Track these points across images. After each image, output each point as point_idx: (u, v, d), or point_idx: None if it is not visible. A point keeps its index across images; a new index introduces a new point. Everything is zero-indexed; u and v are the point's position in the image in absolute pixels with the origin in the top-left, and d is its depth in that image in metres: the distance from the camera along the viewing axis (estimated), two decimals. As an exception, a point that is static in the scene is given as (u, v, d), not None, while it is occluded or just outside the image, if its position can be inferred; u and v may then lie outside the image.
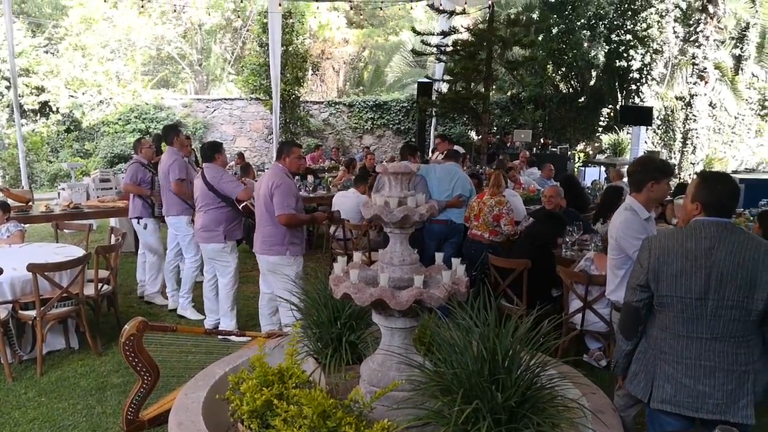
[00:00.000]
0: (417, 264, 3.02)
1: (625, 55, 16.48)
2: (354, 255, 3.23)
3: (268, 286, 5.07)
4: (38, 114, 16.52)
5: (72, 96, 16.78)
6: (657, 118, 17.01)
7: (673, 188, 6.88)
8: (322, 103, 19.83)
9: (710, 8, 15.86)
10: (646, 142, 16.06)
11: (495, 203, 5.83)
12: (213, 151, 5.46)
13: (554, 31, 17.01)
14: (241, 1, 19.06)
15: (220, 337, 5.08)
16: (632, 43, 16.41)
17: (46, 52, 18.26)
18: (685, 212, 2.60)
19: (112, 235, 5.95)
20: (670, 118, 17.78)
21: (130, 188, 6.32)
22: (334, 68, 24.86)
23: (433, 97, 14.08)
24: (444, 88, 13.92)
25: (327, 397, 2.57)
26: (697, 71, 16.40)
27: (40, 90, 16.36)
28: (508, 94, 19.16)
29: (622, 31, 16.47)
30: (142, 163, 6.41)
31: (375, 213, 2.88)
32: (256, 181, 8.07)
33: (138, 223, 6.30)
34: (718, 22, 16.24)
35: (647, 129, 16.40)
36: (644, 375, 2.60)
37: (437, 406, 2.40)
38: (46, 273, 4.42)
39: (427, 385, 2.51)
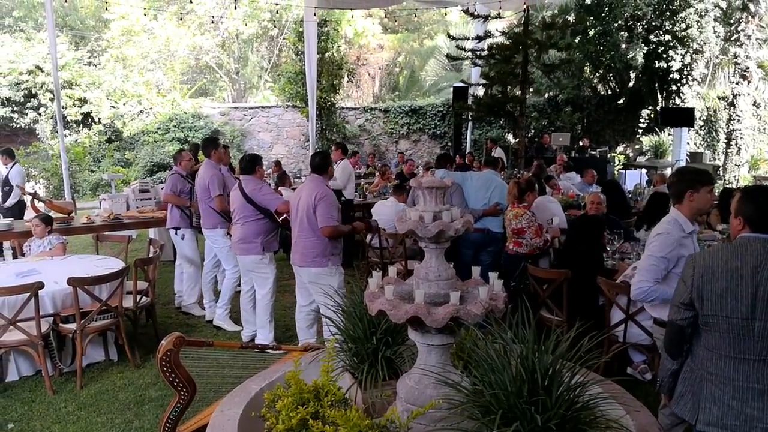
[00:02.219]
0: (453, 279, 2.95)
1: (665, 55, 16.11)
2: (389, 269, 3.18)
3: (305, 299, 5.05)
4: (81, 125, 17.01)
5: (113, 107, 17.22)
6: (699, 118, 16.57)
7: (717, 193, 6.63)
8: (357, 109, 19.89)
9: (751, 7, 15.41)
10: (688, 144, 15.63)
11: (513, 216, 5.68)
12: (253, 164, 5.46)
13: (591, 33, 16.71)
14: (277, 12, 19.23)
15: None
16: (671, 44, 16.03)
17: (89, 64, 18.74)
18: (732, 228, 2.53)
19: (151, 247, 6.03)
20: (712, 118, 17.30)
21: (170, 198, 6.39)
22: (369, 74, 24.92)
23: (469, 102, 13.98)
24: (480, 92, 13.82)
25: (363, 417, 2.52)
26: (740, 71, 15.94)
27: (83, 101, 16.84)
28: (545, 96, 18.91)
29: (661, 32, 16.09)
30: (182, 175, 6.49)
31: (410, 228, 2.83)
32: (293, 189, 8.10)
33: (176, 233, 6.37)
34: (760, 20, 15.76)
35: (689, 130, 15.97)
36: (691, 396, 2.51)
37: (476, 427, 2.33)
38: (85, 287, 4.48)
39: (465, 405, 2.44)
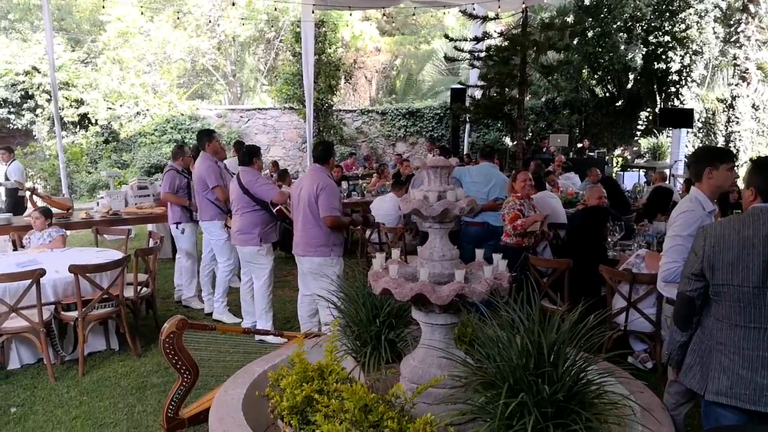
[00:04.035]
0: (457, 260, 2.95)
1: (664, 57, 16.15)
2: (392, 251, 3.18)
3: (307, 288, 5.06)
4: (78, 126, 16.98)
5: (110, 108, 17.19)
6: (698, 120, 16.60)
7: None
8: (354, 111, 19.91)
9: (751, 8, 15.48)
10: (686, 146, 15.67)
11: (504, 204, 5.83)
12: (250, 155, 5.46)
13: (590, 34, 16.75)
14: (275, 9, 19.26)
15: (257, 338, 5.09)
16: (671, 45, 16.06)
17: (85, 65, 18.72)
18: (744, 200, 2.53)
19: (150, 239, 6.02)
20: (711, 120, 17.35)
21: (169, 198, 6.36)
22: (366, 77, 24.97)
23: (467, 104, 14.00)
24: (478, 94, 13.85)
25: (368, 392, 2.52)
26: (739, 72, 16.01)
27: (80, 102, 16.81)
28: (543, 99, 18.96)
29: (660, 33, 16.13)
30: (177, 170, 6.46)
31: (414, 207, 2.83)
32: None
33: (177, 227, 6.36)
34: (760, 21, 15.83)
35: (688, 132, 16.02)
36: (700, 367, 2.50)
37: (481, 401, 2.33)
38: (87, 274, 4.47)
39: (470, 379, 2.44)
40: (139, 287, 5.18)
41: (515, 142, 13.92)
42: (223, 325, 4.12)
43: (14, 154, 8.97)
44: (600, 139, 17.88)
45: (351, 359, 3.24)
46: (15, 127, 16.51)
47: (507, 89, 12.60)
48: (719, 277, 2.38)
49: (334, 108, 18.42)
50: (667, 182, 9.88)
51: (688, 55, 16.18)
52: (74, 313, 4.54)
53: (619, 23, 16.63)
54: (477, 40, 12.68)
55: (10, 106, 16.24)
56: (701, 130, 17.32)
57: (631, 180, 13.08)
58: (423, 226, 3.07)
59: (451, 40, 13.11)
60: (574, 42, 16.06)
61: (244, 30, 22.89)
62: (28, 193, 7.51)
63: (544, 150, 15.13)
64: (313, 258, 4.80)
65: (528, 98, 17.00)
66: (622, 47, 16.65)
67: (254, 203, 5.28)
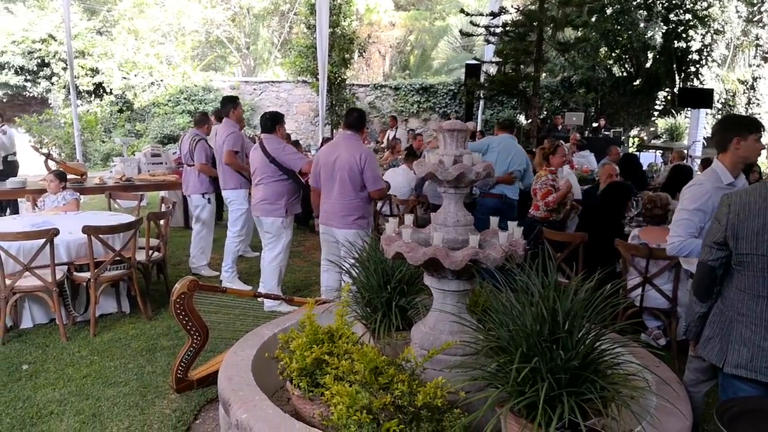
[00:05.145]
0: (471, 226, 2.91)
1: (684, 35, 15.79)
2: (405, 217, 3.14)
3: (333, 256, 4.95)
4: (92, 95, 17.03)
5: (125, 78, 17.21)
6: (717, 101, 16.26)
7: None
8: (367, 85, 19.76)
9: (776, -14, 15.12)
10: (705, 128, 15.41)
11: (536, 178, 5.84)
12: (274, 122, 5.27)
13: (608, 11, 16.38)
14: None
15: (266, 306, 5.07)
16: (692, 23, 15.69)
17: (101, 34, 18.70)
18: None
19: (163, 204, 6.01)
20: (731, 101, 16.99)
21: (205, 169, 6.23)
22: (380, 52, 24.73)
23: (482, 79, 13.84)
24: (492, 70, 13.68)
25: (379, 354, 2.50)
26: (761, 53, 15.66)
27: (95, 72, 16.84)
28: (559, 77, 18.70)
29: (681, 11, 15.73)
30: (206, 140, 6.39)
31: (429, 170, 2.78)
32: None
33: (203, 197, 6.30)
34: (785, 1, 15.47)
35: (707, 114, 15.74)
36: (719, 339, 2.43)
37: (493, 367, 2.30)
38: (100, 235, 4.48)
39: (482, 345, 2.41)
40: (150, 251, 5.18)
41: (529, 120, 13.77)
42: (233, 289, 4.11)
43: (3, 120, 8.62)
44: (616, 119, 17.64)
45: (361, 326, 3.22)
46: (31, 94, 16.58)
47: (522, 66, 12.43)
48: (743, 246, 2.30)
49: (347, 82, 18.28)
50: (684, 162, 9.74)
51: (709, 34, 15.83)
52: (86, 274, 4.56)
53: (638, 0, 16.26)
54: (493, 15, 12.48)
55: (27, 74, 16.28)
56: (720, 111, 16.99)
57: (646, 160, 12.90)
58: (438, 191, 3.02)
59: (468, 14, 12.90)
60: (592, 19, 15.76)
61: (259, 1, 22.68)
62: (42, 158, 7.51)
63: (559, 128, 14.97)
64: (349, 230, 4.57)
65: (544, 76, 16.76)
66: (642, 25, 16.27)
67: (281, 172, 5.09)
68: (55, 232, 4.26)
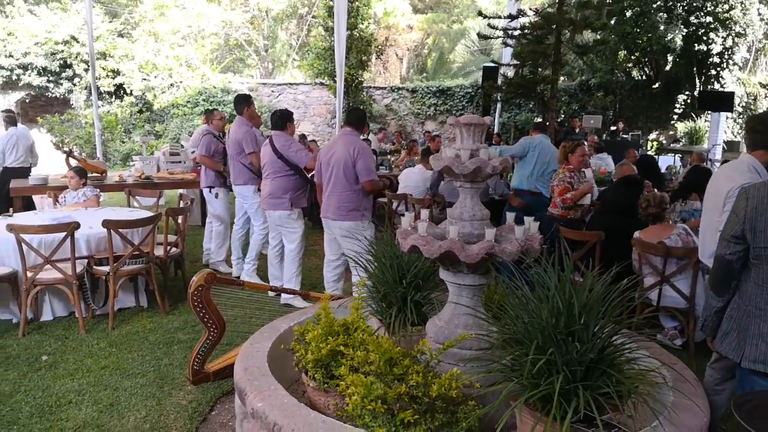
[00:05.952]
0: (487, 220, 2.91)
1: (705, 38, 15.60)
2: (421, 212, 3.15)
3: (334, 253, 5.06)
4: (113, 96, 17.25)
5: (145, 79, 17.41)
6: (738, 105, 16.05)
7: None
8: (384, 88, 19.79)
9: (799, -10, 14.91)
10: (725, 132, 15.23)
11: (555, 176, 5.87)
12: (284, 120, 5.44)
13: (628, 13, 16.26)
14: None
15: (282, 300, 5.13)
16: (713, 26, 15.51)
17: (122, 36, 18.95)
18: None
19: (181, 201, 6.07)
20: (752, 105, 16.77)
21: (205, 161, 6.38)
22: (397, 55, 24.77)
23: (499, 82, 13.80)
24: (510, 73, 13.63)
25: (394, 346, 2.50)
26: (784, 56, 15.46)
27: (116, 73, 17.07)
28: (577, 80, 18.58)
29: (702, 13, 15.55)
30: (214, 134, 6.50)
31: (446, 165, 2.79)
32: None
33: (210, 192, 6.40)
34: (808, 4, 15.24)
35: (727, 118, 15.54)
36: (736, 334, 2.41)
37: (508, 360, 2.29)
38: (119, 229, 4.54)
39: (497, 337, 2.40)
40: (168, 247, 5.25)
41: (547, 124, 13.70)
42: (250, 282, 4.16)
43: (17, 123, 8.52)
44: (635, 122, 17.47)
45: (375, 320, 3.23)
46: (53, 95, 16.82)
47: (540, 69, 12.38)
48: (760, 240, 2.28)
49: (364, 84, 18.33)
50: (704, 164, 9.63)
51: (730, 37, 15.62)
52: (106, 268, 4.63)
53: (659, 2, 16.06)
54: (511, 17, 12.45)
55: (49, 75, 16.53)
56: (741, 115, 16.78)
57: (665, 164, 12.78)
58: (454, 187, 3.03)
59: (486, 17, 12.87)
60: (611, 21, 15.63)
61: (277, 3, 22.83)
62: (63, 156, 7.62)
63: (577, 130, 14.86)
64: (343, 222, 4.78)
65: (562, 79, 16.64)
66: (662, 27, 16.12)
67: (287, 168, 5.26)
68: (76, 225, 4.34)
